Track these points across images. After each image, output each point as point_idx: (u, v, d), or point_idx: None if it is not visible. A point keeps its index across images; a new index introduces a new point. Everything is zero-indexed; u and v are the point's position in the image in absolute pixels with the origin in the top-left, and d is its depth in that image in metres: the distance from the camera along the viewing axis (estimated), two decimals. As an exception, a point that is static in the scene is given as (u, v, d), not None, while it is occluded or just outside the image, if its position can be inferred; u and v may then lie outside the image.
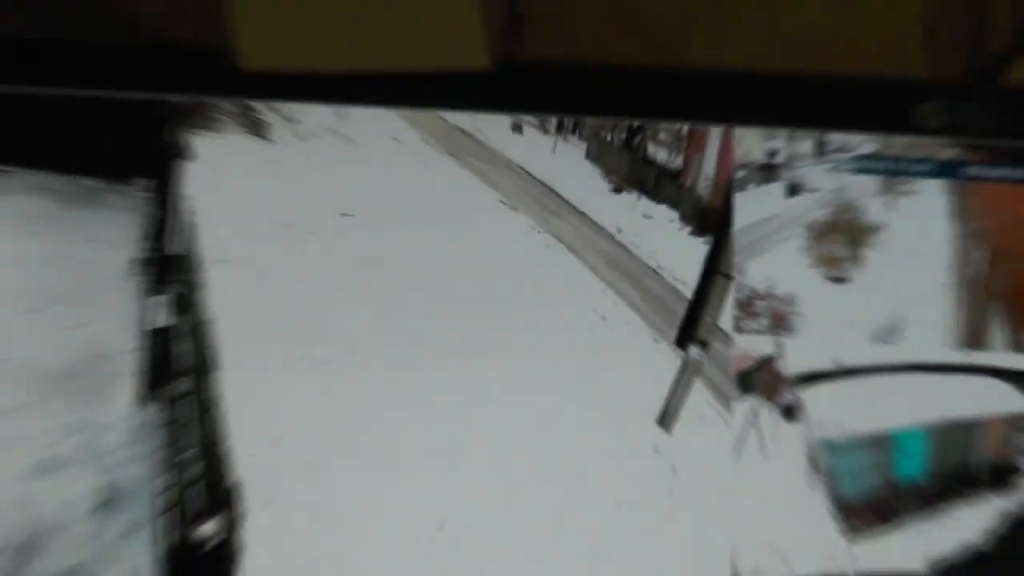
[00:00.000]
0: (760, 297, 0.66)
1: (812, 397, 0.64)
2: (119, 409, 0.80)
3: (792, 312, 0.62)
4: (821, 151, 0.60)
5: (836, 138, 0.66)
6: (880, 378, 0.64)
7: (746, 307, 0.63)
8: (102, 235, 0.83)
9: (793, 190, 0.59)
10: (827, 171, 0.61)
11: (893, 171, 0.63)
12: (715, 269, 0.82)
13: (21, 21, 0.66)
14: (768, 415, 0.63)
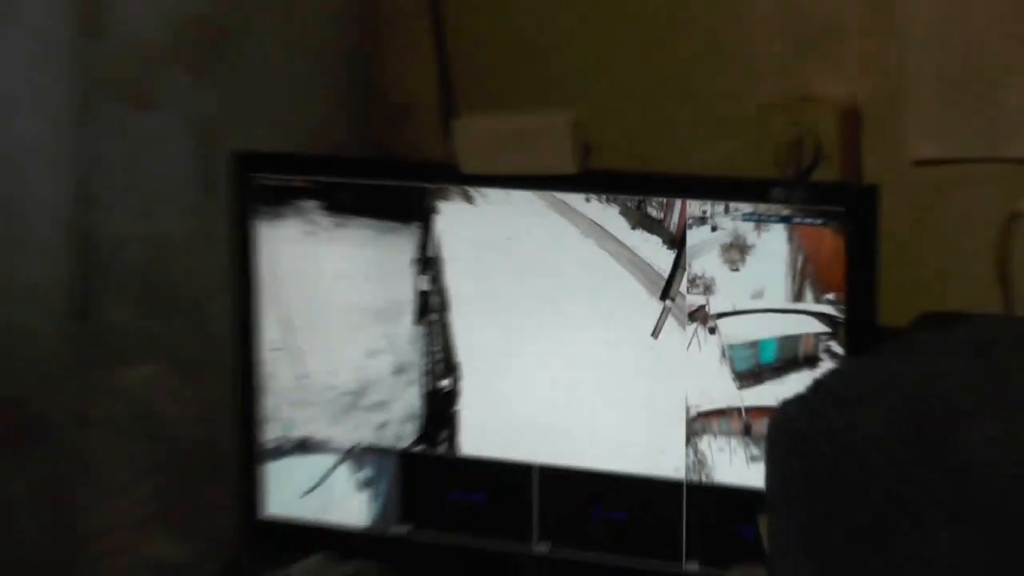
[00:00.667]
0: (698, 277, 1.26)
1: (723, 324, 1.21)
2: (406, 326, 1.35)
3: (713, 284, 1.21)
4: (726, 210, 1.18)
5: (735, 204, 1.28)
6: (754, 315, 1.22)
7: (692, 282, 1.25)
8: (398, 248, 1.34)
9: (713, 228, 1.19)
10: (730, 219, 1.19)
11: (760, 219, 1.24)
12: (678, 265, 1.28)
13: (350, 146, 1.31)
14: (702, 332, 1.20)
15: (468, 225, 1.04)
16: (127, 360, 1.14)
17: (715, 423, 1.07)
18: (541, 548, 1.01)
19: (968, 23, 1.00)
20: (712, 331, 1.12)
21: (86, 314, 1.10)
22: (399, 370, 1.15)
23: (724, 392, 1.09)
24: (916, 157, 1.05)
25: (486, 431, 1.04)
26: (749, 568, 1.00)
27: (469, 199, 1.05)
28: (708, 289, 1.13)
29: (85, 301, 1.10)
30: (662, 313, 1.11)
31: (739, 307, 1.12)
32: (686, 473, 1.01)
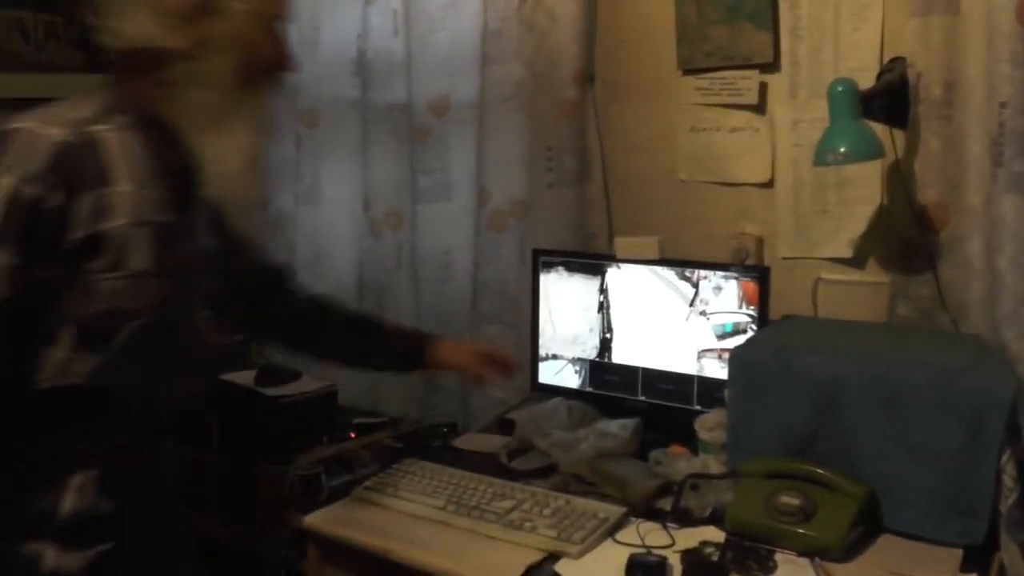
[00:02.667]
0: (702, 299, 2.22)
1: (711, 316, 2.10)
2: (595, 313, 2.42)
3: (708, 301, 2.20)
4: (714, 273, 2.24)
5: (717, 271, 2.25)
6: (723, 313, 2.19)
7: (699, 300, 2.32)
8: (593, 284, 1.99)
9: (707, 279, 2.23)
10: (715, 276, 2.17)
11: (727, 276, 2.20)
12: (696, 295, 1.93)
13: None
14: (704, 319, 2.21)
15: (617, 276, 2.42)
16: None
17: (707, 354, 2.27)
18: (642, 398, 2.44)
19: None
20: (707, 318, 2.26)
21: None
22: (591, 329, 2.43)
23: (711, 342, 2.25)
24: (782, 255, 2.35)
25: (623, 352, 2.40)
26: (717, 410, 1.99)
27: (618, 267, 2.38)
28: (706, 302, 2.25)
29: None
30: (689, 312, 2.28)
31: (717, 310, 2.24)
32: (696, 372, 2.27)
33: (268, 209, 3.12)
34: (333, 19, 2.91)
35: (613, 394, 2.38)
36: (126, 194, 1.37)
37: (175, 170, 1.44)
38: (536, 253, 2.49)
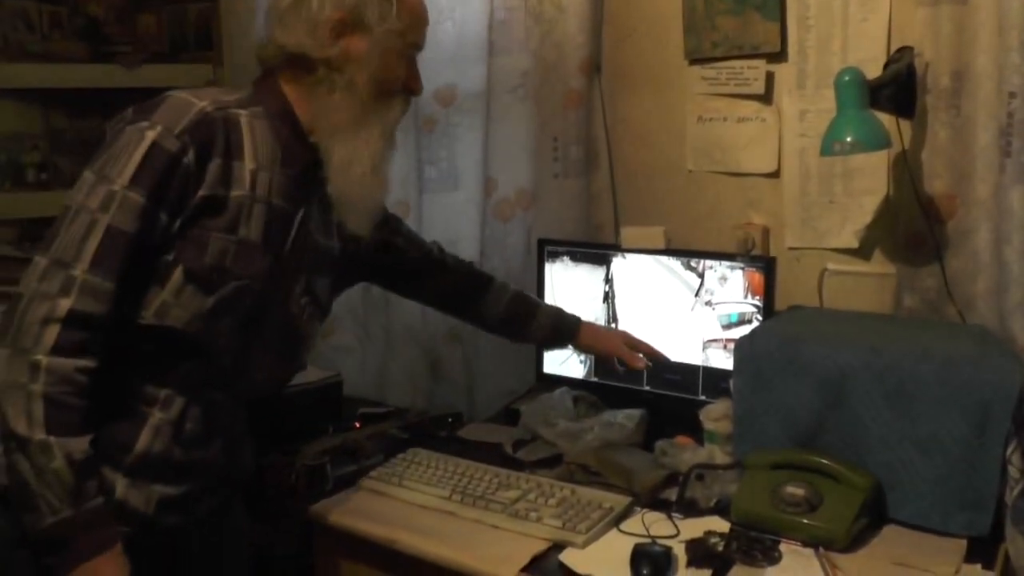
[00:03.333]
0: (707, 289, 2.16)
1: (716, 306, 2.24)
2: (600, 302, 2.30)
3: (713, 291, 2.19)
4: (719, 263, 2.16)
5: (723, 260, 2.24)
6: (729, 303, 2.21)
7: (705, 290, 2.37)
8: (598, 273, 2.02)
9: (712, 269, 2.25)
10: (720, 266, 2.16)
11: (733, 267, 2.20)
12: (701, 284, 1.95)
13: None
14: (709, 309, 2.14)
15: (622, 265, 2.39)
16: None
17: (712, 344, 2.27)
18: (647, 389, 2.38)
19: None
20: (713, 308, 2.26)
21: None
22: (596, 319, 2.41)
23: (716, 332, 2.25)
24: (789, 245, 2.35)
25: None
26: (723, 401, 1.98)
27: (624, 256, 2.39)
28: (711, 292, 2.26)
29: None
30: (694, 302, 2.27)
31: (723, 300, 2.24)
32: (702, 362, 2.27)
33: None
34: (339, 9, 2.84)
35: (618, 384, 2.38)
36: (250, 170, 1.55)
37: (299, 165, 1.63)
38: (542, 243, 2.51)
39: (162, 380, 1.57)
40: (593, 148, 2.60)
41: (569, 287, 2.46)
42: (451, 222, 2.76)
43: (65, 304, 1.41)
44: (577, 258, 2.46)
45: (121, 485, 1.54)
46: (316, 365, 2.52)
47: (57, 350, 1.40)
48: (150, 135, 1.47)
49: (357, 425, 2.41)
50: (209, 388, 1.62)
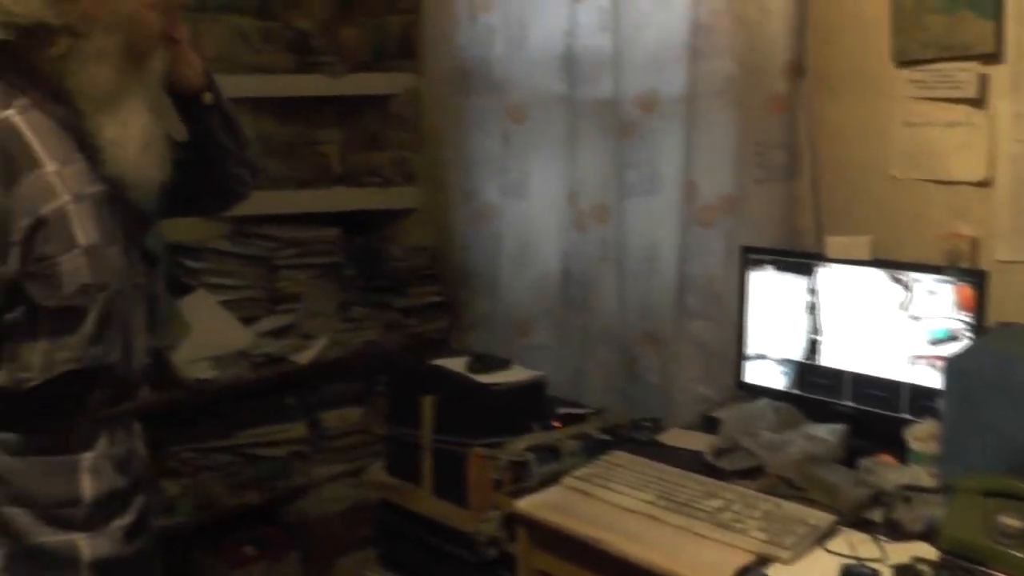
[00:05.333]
0: (909, 302, 2.10)
1: (924, 320, 2.19)
2: (804, 314, 2.47)
3: (922, 309, 2.19)
4: (929, 276, 2.05)
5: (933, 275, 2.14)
6: (938, 318, 2.14)
7: (911, 304, 2.21)
8: (801, 283, 2.06)
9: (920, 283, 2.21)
10: (931, 280, 2.33)
11: (944, 281, 2.41)
12: (906, 294, 1.88)
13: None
14: (917, 326, 2.12)
15: (826, 275, 2.38)
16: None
17: (919, 361, 2.23)
18: (849, 403, 2.38)
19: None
20: (919, 322, 2.22)
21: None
22: (799, 329, 2.43)
23: (923, 348, 2.22)
24: (999, 258, 2.27)
25: (831, 354, 2.38)
26: (930, 420, 1.95)
27: (828, 266, 2.36)
28: (918, 306, 2.25)
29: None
30: (900, 315, 2.25)
31: (931, 315, 2.21)
32: (907, 378, 2.23)
33: (475, 200, 3.28)
34: (541, 17, 3.01)
35: (819, 397, 2.40)
36: (54, 172, 1.38)
37: (90, 142, 1.45)
38: (745, 250, 2.54)
39: (74, 422, 1.47)
40: (796, 152, 2.61)
41: (771, 296, 2.49)
42: (651, 227, 2.82)
43: None
44: (781, 266, 2.48)
45: (85, 545, 1.47)
46: (519, 365, 2.65)
47: None
48: None
49: (557, 424, 2.50)
50: (118, 403, 1.53)
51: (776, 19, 2.55)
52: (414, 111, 3.53)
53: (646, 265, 2.84)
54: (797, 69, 2.58)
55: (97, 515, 1.48)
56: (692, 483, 2.06)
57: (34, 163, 1.37)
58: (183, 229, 3.05)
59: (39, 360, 1.39)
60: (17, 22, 1.38)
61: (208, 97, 1.68)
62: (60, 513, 1.44)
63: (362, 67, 3.55)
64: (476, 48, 3.21)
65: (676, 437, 2.44)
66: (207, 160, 1.73)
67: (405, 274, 3.41)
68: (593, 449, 2.33)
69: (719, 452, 2.20)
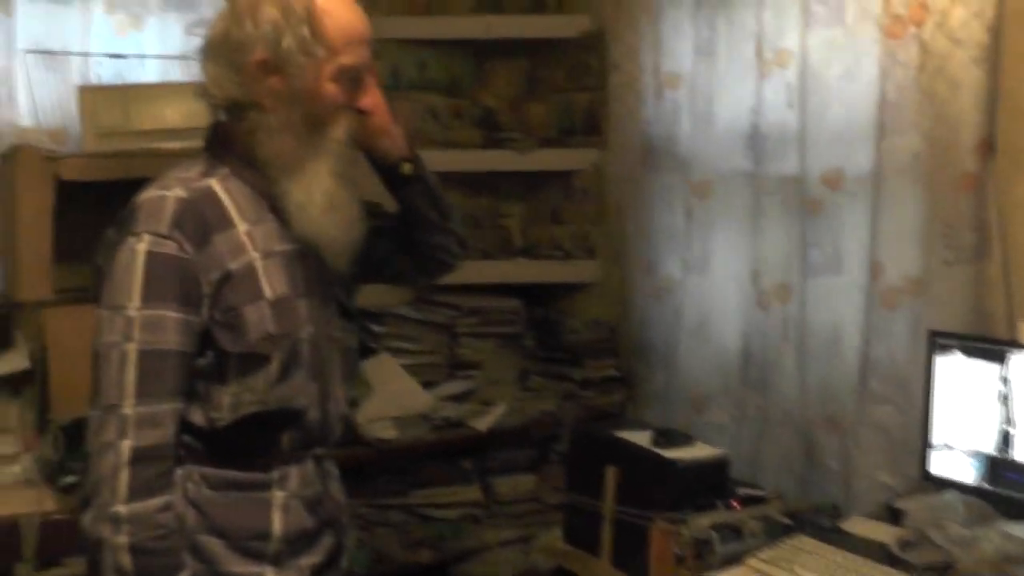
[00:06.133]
0: None
1: None
2: (997, 405, 2.35)
3: None
4: None
5: None
6: None
7: None
8: (993, 370, 2.08)
9: None
10: None
11: None
12: None
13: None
14: None
15: (1021, 363, 2.25)
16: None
17: None
18: None
19: None
20: None
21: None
22: (991, 420, 2.30)
23: None
24: None
25: None
26: None
27: (1020, 352, 2.24)
28: None
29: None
30: None
31: None
32: None
33: (655, 275, 3.29)
34: (727, 93, 3.03)
35: (1014, 494, 2.26)
36: (245, 233, 1.54)
37: (280, 205, 1.59)
38: (932, 334, 2.44)
39: (267, 462, 1.59)
40: (986, 233, 2.50)
41: (960, 383, 2.37)
42: (834, 307, 2.76)
43: (126, 446, 1.43)
44: (971, 352, 2.37)
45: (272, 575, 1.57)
46: (702, 441, 2.64)
47: (134, 494, 1.42)
48: (141, 247, 1.47)
49: (735, 504, 2.46)
50: (310, 445, 1.64)
51: (966, 95, 2.48)
52: (597, 186, 3.56)
53: (828, 347, 2.78)
54: (987, 146, 2.49)
55: (285, 551, 1.59)
56: (879, 575, 2.00)
57: (227, 224, 1.53)
58: (368, 294, 3.11)
59: (228, 401, 1.52)
60: (216, 102, 1.59)
61: (407, 167, 1.77)
62: (251, 545, 1.56)
63: (547, 143, 3.63)
64: (661, 124, 3.24)
65: (858, 525, 2.35)
66: (411, 229, 1.83)
67: (583, 346, 3.41)
68: (775, 532, 2.29)
69: (905, 544, 2.12)
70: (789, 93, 2.83)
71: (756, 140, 2.93)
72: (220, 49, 1.56)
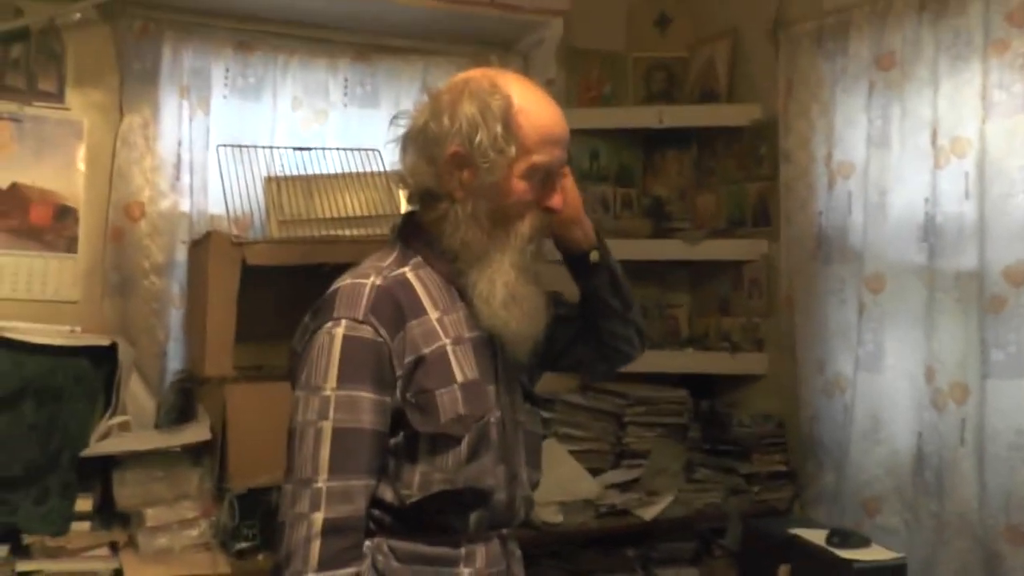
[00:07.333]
0: None
1: None
2: None
3: None
4: None
5: None
6: None
7: None
8: None
9: None
10: None
11: None
12: None
13: None
14: None
15: None
16: None
17: None
18: None
19: None
20: None
21: None
22: None
23: None
24: None
25: None
26: None
27: None
28: None
29: None
30: None
31: None
32: None
33: (827, 371, 3.17)
34: (901, 184, 2.93)
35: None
36: (436, 320, 1.59)
37: (468, 293, 1.63)
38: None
39: (455, 539, 1.60)
40: None
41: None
42: (1018, 411, 2.59)
43: (319, 517, 1.46)
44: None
45: None
46: (879, 544, 2.64)
47: (324, 564, 1.45)
48: (339, 332, 1.52)
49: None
50: (496, 526, 1.65)
51: None
52: (767, 277, 3.50)
53: (1012, 452, 2.59)
54: None
55: None
56: None
57: (420, 311, 1.59)
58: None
59: (418, 480, 1.56)
60: (411, 190, 1.67)
61: (595, 255, 1.82)
62: None
63: (717, 233, 3.60)
64: (834, 215, 3.16)
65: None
66: (593, 317, 1.87)
67: (751, 440, 3.33)
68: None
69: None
70: (967, 183, 2.71)
71: (931, 232, 2.81)
72: (418, 140, 1.63)
